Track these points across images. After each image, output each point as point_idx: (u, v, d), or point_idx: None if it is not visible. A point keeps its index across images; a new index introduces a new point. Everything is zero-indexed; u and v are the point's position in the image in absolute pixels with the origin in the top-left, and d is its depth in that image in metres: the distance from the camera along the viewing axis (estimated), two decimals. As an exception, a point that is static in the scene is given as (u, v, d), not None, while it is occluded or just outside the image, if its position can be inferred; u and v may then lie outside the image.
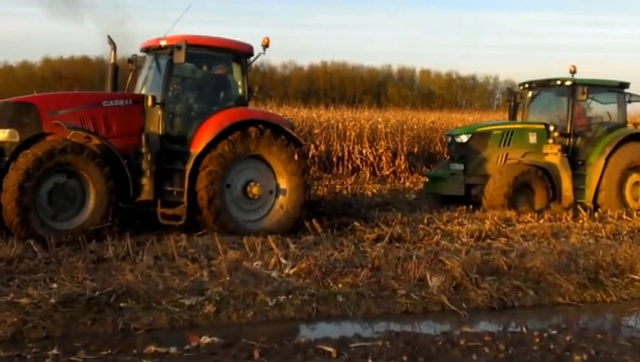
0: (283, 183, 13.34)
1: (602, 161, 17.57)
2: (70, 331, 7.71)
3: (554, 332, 8.05)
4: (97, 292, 8.37)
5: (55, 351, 6.92)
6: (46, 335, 7.58)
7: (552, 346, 7.47)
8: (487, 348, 7.34)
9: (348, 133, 28.48)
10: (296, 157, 13.28)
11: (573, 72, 18.26)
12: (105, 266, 9.93)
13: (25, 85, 46.41)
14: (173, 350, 7.02)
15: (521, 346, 7.48)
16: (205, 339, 7.35)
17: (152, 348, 7.02)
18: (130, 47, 14.34)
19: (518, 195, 16.86)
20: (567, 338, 7.74)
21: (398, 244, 12.17)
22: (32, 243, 10.74)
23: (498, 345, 7.43)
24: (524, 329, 8.29)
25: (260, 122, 13.17)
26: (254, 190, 13.15)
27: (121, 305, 8.28)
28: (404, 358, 6.96)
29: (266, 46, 13.66)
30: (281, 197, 13.37)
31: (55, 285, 8.74)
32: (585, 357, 7.14)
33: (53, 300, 8.03)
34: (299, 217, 13.37)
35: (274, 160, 13.23)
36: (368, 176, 26.40)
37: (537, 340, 7.68)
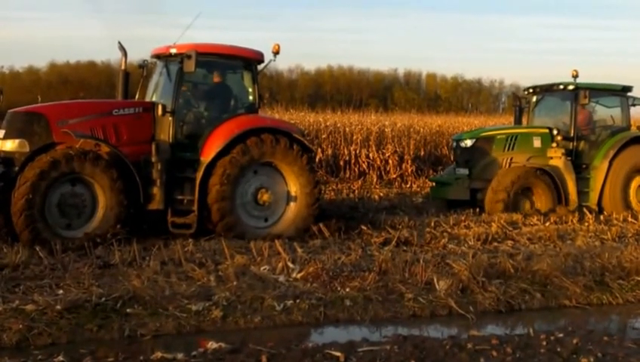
0: (293, 190, 13.36)
1: (606, 164, 17.59)
2: (76, 338, 7.71)
3: (561, 335, 8.03)
4: (103, 298, 8.36)
5: (61, 358, 6.92)
6: (52, 342, 7.57)
7: (559, 349, 7.46)
8: (495, 351, 7.34)
9: (355, 137, 28.55)
10: (306, 163, 13.28)
11: (575, 77, 18.31)
12: (111, 272, 9.92)
13: (31, 90, 46.56)
14: (180, 356, 7.01)
15: (529, 349, 7.47)
16: (212, 345, 7.34)
17: (159, 354, 7.01)
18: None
19: (521, 198, 16.92)
20: (574, 341, 7.72)
21: (405, 248, 12.16)
22: (37, 249, 10.73)
23: (505, 348, 7.43)
24: (531, 332, 8.24)
25: (270, 130, 13.19)
26: (265, 197, 13.17)
27: (128, 311, 8.27)
28: (412, 362, 6.97)
29: (276, 53, 13.70)
30: (291, 203, 13.38)
31: (61, 291, 8.75)
32: (592, 359, 7.14)
33: (59, 306, 8.02)
34: (309, 223, 13.36)
35: (284, 167, 13.24)
36: (375, 179, 26.44)
37: (544, 343, 7.67)
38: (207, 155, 12.73)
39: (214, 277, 9.65)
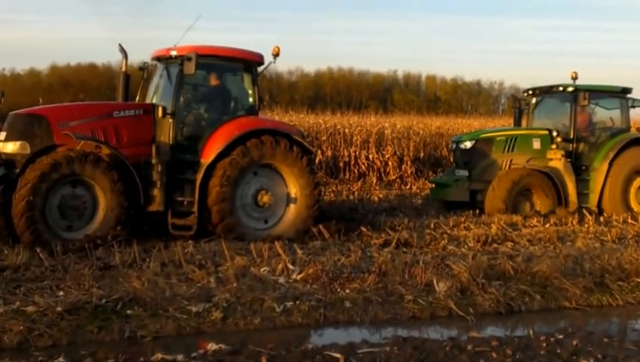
0: (293, 191, 13.36)
1: (606, 166, 17.61)
2: (77, 339, 7.71)
3: (561, 336, 8.05)
4: (104, 300, 8.37)
5: (61, 360, 6.94)
6: (52, 344, 7.58)
7: (559, 350, 7.47)
8: (495, 352, 7.34)
9: (354, 139, 28.58)
10: (306, 165, 13.29)
11: (574, 78, 18.30)
12: (111, 273, 9.92)
13: (32, 92, 46.48)
14: (180, 357, 7.02)
15: (528, 351, 7.48)
16: (212, 346, 7.35)
17: (159, 356, 7.03)
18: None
19: (520, 200, 16.94)
20: (574, 342, 7.73)
21: (405, 249, 12.15)
22: (38, 250, 10.74)
23: (505, 349, 7.44)
24: (531, 334, 8.25)
25: (270, 131, 13.20)
26: (265, 198, 13.17)
27: (128, 312, 8.27)
28: (411, 363, 6.97)
29: (276, 55, 13.72)
30: (291, 205, 13.39)
31: (61, 293, 8.75)
32: (592, 361, 7.15)
33: (59, 308, 8.03)
34: (309, 225, 13.36)
35: (284, 168, 13.24)
36: (375, 181, 26.40)
37: (544, 344, 7.68)
38: (208, 157, 12.74)
39: (214, 279, 9.66)
